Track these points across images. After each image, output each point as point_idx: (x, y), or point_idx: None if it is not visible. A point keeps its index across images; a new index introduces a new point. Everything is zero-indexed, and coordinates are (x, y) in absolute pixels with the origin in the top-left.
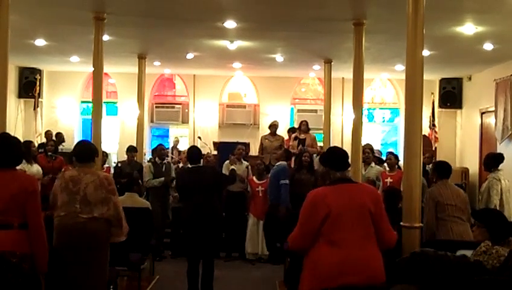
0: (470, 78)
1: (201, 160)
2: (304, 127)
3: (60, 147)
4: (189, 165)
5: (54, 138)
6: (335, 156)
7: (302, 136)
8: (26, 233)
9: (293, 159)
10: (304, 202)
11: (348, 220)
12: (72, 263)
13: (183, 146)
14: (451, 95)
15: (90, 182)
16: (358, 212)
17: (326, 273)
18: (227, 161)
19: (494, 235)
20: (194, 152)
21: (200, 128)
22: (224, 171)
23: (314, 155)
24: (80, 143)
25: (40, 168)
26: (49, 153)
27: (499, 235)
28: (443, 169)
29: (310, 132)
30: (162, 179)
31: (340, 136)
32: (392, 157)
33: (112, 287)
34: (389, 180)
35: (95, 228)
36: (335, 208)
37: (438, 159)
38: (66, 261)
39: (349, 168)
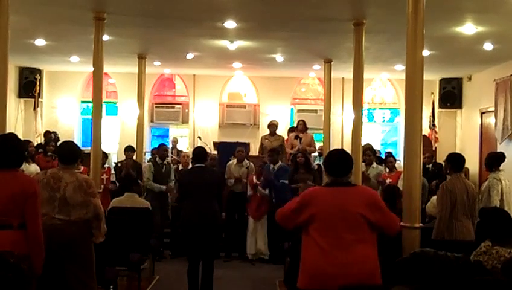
0: (470, 78)
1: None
2: (301, 126)
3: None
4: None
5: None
6: (331, 162)
7: (300, 135)
8: (26, 233)
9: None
10: (300, 194)
11: (335, 223)
12: (55, 267)
13: (182, 146)
14: (451, 95)
15: (70, 183)
16: (347, 216)
17: (313, 275)
18: (230, 162)
19: (495, 235)
20: (198, 152)
21: (200, 128)
22: (227, 171)
23: (315, 154)
24: (63, 144)
25: (38, 168)
26: (49, 153)
27: (500, 235)
28: (456, 162)
29: (309, 131)
30: (164, 187)
31: (340, 136)
32: (393, 159)
33: (112, 287)
34: (388, 180)
35: (72, 233)
36: (322, 210)
37: (437, 160)
38: (50, 266)
39: (349, 175)
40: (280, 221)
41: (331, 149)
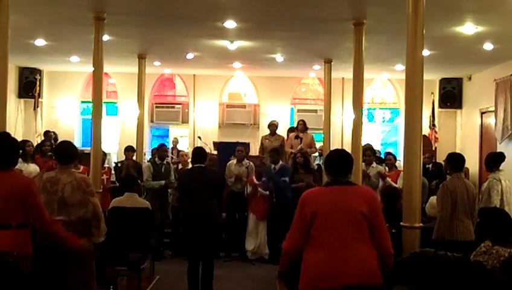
0: (470, 78)
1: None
2: (301, 126)
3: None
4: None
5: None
6: (332, 161)
7: (300, 135)
8: (25, 233)
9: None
10: (299, 199)
11: (335, 221)
12: (55, 267)
13: (183, 146)
14: (451, 95)
15: (68, 183)
16: (348, 215)
17: (313, 275)
18: (230, 162)
19: (494, 235)
20: (198, 153)
21: (200, 128)
22: (227, 171)
23: (316, 154)
24: (60, 144)
25: (37, 167)
26: (49, 153)
27: (499, 235)
28: (457, 161)
29: (309, 131)
30: (163, 182)
31: (340, 136)
32: (392, 157)
33: (111, 287)
34: (388, 179)
35: (73, 233)
36: (322, 208)
37: (437, 160)
38: (50, 265)
39: (349, 175)
40: (288, 240)
41: (332, 149)
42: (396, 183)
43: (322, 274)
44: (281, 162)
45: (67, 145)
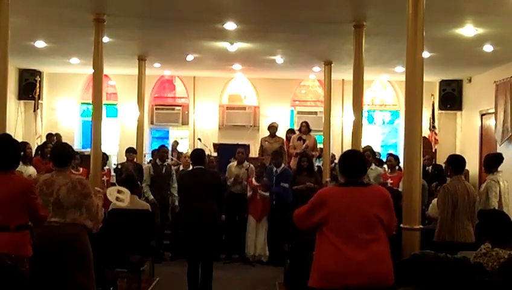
0: (470, 80)
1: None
2: (304, 128)
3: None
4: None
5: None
6: (350, 163)
7: (304, 137)
8: (24, 235)
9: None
10: (315, 195)
11: (351, 222)
12: (54, 269)
13: (183, 148)
14: (451, 97)
15: (63, 185)
16: (362, 215)
17: (326, 273)
18: (231, 164)
19: (494, 237)
20: (196, 154)
21: (200, 130)
22: (227, 173)
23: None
24: (55, 147)
25: (35, 170)
26: (49, 155)
27: (499, 237)
28: (457, 163)
29: (311, 133)
30: (152, 198)
31: (340, 138)
32: (392, 158)
33: (111, 288)
34: (389, 181)
35: (68, 232)
36: (337, 208)
37: (437, 162)
38: (49, 268)
39: (364, 175)
40: (296, 221)
41: (347, 150)
42: (398, 186)
43: (334, 273)
44: (283, 166)
45: (63, 147)
